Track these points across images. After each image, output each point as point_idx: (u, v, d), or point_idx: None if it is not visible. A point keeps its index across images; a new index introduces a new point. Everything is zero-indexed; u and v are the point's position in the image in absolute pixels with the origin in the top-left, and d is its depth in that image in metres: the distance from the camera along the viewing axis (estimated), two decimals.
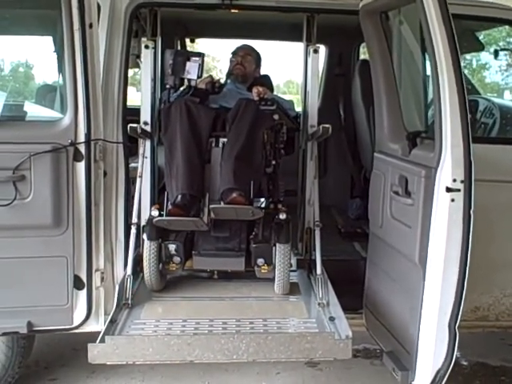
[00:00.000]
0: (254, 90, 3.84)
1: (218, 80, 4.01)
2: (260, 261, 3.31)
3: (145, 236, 3.27)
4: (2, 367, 3.31)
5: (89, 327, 3.10)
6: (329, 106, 5.20)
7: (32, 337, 3.42)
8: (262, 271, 3.34)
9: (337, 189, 5.18)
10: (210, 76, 4.01)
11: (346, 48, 5.35)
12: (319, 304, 3.23)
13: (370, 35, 3.25)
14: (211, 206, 3.22)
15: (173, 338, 2.68)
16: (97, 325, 3.11)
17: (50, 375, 3.72)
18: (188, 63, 3.60)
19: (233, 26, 4.74)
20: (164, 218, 3.20)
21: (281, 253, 3.26)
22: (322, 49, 5.36)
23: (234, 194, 3.18)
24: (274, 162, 3.60)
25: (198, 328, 2.96)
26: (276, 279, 3.31)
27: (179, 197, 3.26)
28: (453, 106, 2.56)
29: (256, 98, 3.77)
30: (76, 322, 3.07)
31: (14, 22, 3.44)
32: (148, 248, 3.26)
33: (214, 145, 3.48)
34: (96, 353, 2.61)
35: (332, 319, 3.06)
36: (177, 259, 3.33)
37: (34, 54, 3.74)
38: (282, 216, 3.32)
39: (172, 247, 3.31)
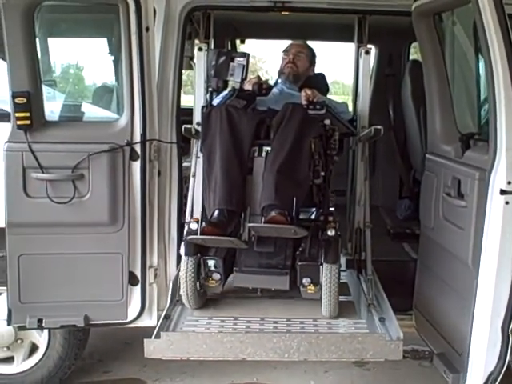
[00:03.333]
0: (303, 93, 3.60)
1: (266, 81, 3.86)
2: (306, 280, 3.06)
3: (182, 251, 3.11)
4: (59, 358, 3.43)
5: (142, 322, 3.19)
6: (378, 106, 5.15)
7: (87, 330, 3.52)
8: (308, 291, 3.08)
9: (385, 189, 5.16)
10: (258, 76, 3.86)
11: (396, 48, 5.32)
12: (369, 305, 3.23)
13: (423, 36, 3.23)
14: (250, 225, 3.03)
15: (226, 335, 2.75)
16: (150, 320, 3.19)
17: (103, 367, 3.84)
18: (231, 64, 3.38)
19: (283, 27, 4.76)
20: (198, 236, 2.99)
21: (328, 273, 3.00)
22: (372, 49, 5.33)
23: (274, 213, 2.92)
24: (323, 173, 3.27)
25: (249, 326, 3.01)
26: (323, 301, 3.07)
27: (216, 213, 3.03)
28: (508, 108, 2.54)
29: (304, 102, 3.53)
30: (130, 317, 3.16)
31: (73, 25, 3.56)
32: (185, 264, 3.07)
33: (256, 154, 3.21)
34: (152, 348, 2.70)
35: (382, 320, 3.06)
36: (216, 276, 3.12)
37: (90, 56, 3.84)
38: (331, 232, 3.06)
39: (211, 263, 3.10)
